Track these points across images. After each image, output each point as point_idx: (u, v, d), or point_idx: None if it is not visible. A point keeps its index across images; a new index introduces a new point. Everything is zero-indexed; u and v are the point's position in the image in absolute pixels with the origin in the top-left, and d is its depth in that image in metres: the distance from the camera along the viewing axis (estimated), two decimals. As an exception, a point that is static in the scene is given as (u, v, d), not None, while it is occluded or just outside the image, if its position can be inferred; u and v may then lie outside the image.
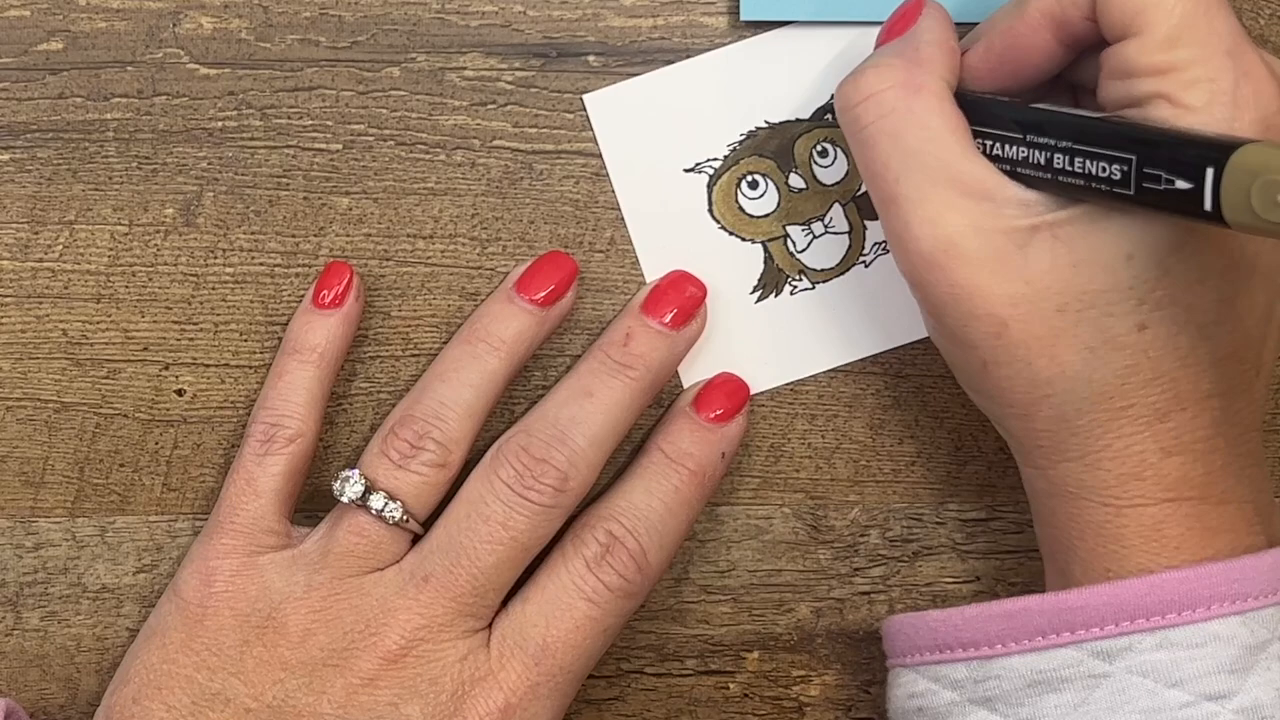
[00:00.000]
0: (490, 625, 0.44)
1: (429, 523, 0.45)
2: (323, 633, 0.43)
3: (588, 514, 0.45)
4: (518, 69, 0.48)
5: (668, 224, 0.48)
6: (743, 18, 0.47)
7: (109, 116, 0.47)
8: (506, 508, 0.44)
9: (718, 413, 0.47)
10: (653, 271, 0.48)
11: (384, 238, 0.48)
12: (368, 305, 0.48)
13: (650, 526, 0.45)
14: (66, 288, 0.48)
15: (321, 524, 0.45)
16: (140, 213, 0.48)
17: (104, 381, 0.48)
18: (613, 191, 0.48)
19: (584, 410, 0.45)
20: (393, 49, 0.47)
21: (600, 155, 0.48)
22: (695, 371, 0.49)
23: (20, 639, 0.49)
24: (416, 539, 0.45)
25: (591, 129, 0.48)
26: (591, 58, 0.48)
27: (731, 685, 0.50)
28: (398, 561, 0.44)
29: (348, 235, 0.48)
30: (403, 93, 0.47)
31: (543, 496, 0.44)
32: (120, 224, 0.48)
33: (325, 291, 0.46)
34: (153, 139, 0.47)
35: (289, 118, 0.47)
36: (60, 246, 0.48)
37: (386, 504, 0.44)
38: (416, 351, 0.48)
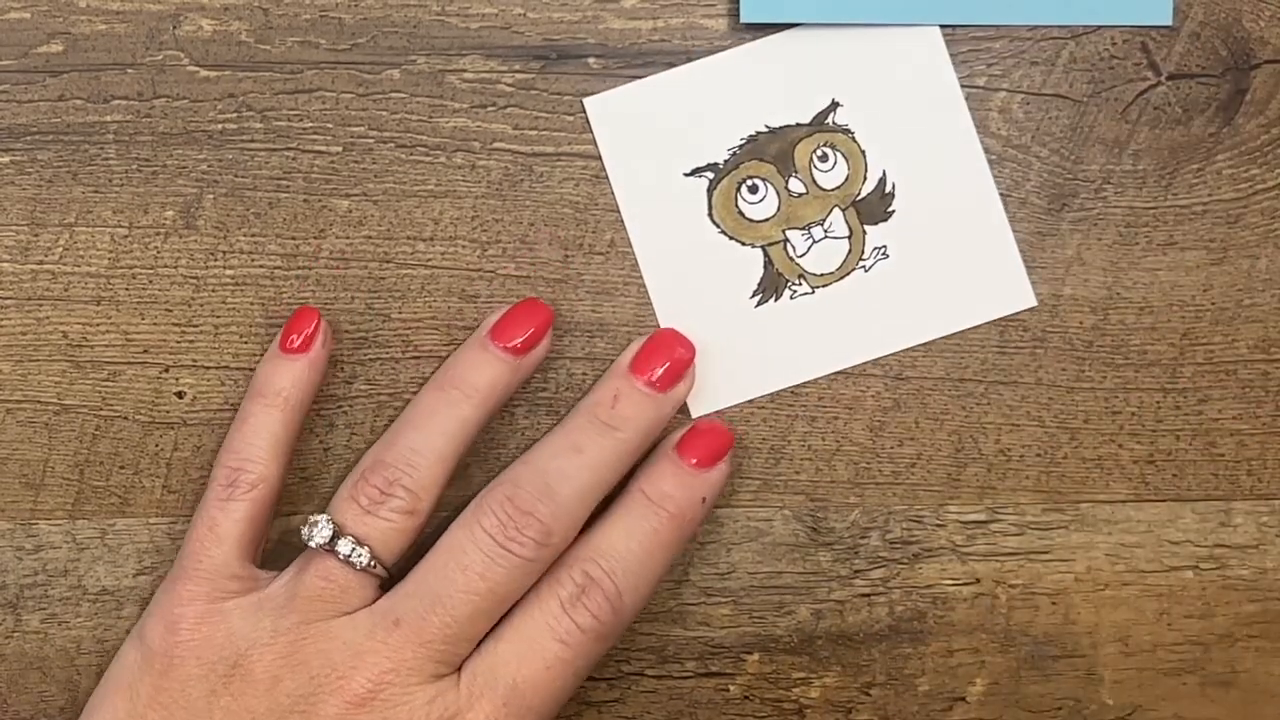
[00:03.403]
0: (460, 664, 0.44)
1: (399, 570, 0.45)
2: (289, 679, 0.43)
3: (566, 553, 0.45)
4: (518, 71, 0.48)
5: (668, 228, 0.48)
6: (743, 19, 0.47)
7: (109, 119, 0.47)
8: (487, 558, 0.43)
9: (699, 459, 0.47)
10: (653, 275, 0.48)
11: (384, 240, 0.48)
12: (367, 307, 0.48)
13: (628, 569, 0.45)
14: (66, 290, 0.48)
15: (289, 568, 0.45)
16: (140, 215, 0.48)
17: (104, 384, 0.48)
18: (613, 194, 0.48)
19: (572, 465, 0.45)
20: (393, 51, 0.47)
21: (600, 158, 0.48)
22: (695, 378, 0.49)
23: (20, 641, 0.49)
24: (386, 585, 0.45)
25: (591, 131, 0.48)
26: (592, 60, 0.48)
27: (732, 687, 0.50)
28: (367, 606, 0.44)
29: (347, 237, 0.48)
30: (403, 95, 0.47)
31: (524, 549, 0.43)
32: (120, 226, 0.48)
33: (293, 336, 0.46)
34: (153, 141, 0.47)
35: (289, 120, 0.47)
36: (60, 249, 0.48)
37: (354, 549, 0.44)
38: (417, 354, 0.48)
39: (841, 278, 0.49)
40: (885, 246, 0.48)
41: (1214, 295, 0.49)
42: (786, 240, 0.48)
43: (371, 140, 0.48)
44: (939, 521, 0.50)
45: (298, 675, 0.43)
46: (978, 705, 0.50)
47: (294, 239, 0.48)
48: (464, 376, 0.46)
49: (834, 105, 0.48)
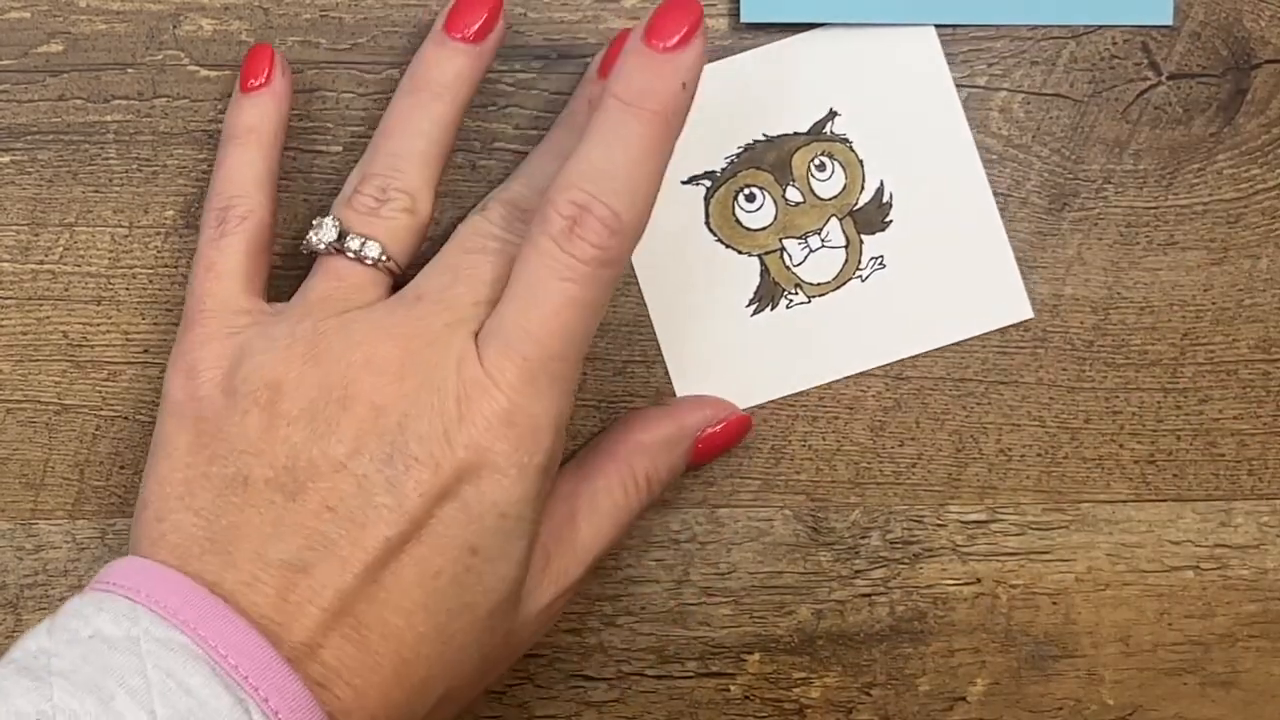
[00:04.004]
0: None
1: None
2: (314, 373, 0.41)
3: (549, 189, 0.41)
4: (518, 71, 0.48)
5: (665, 236, 0.48)
6: (743, 19, 0.47)
7: (109, 118, 0.47)
8: (504, 232, 0.43)
9: (674, 39, 0.40)
10: (649, 282, 0.48)
11: (384, 240, 0.48)
12: (368, 307, 0.48)
13: (617, 185, 0.40)
14: (67, 290, 0.48)
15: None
16: (141, 215, 0.48)
17: (104, 384, 0.48)
18: (613, 193, 0.48)
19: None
20: (393, 51, 0.47)
21: (601, 157, 0.48)
22: (689, 384, 0.48)
23: (20, 641, 0.49)
24: (397, 288, 0.43)
25: (592, 131, 0.48)
26: (592, 60, 0.48)
27: (732, 687, 0.50)
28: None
29: (348, 237, 0.48)
30: (403, 95, 0.47)
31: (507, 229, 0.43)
32: (121, 226, 0.48)
33: (251, 77, 0.46)
34: (153, 141, 0.47)
35: (289, 119, 0.47)
36: (60, 248, 0.48)
37: (364, 243, 0.43)
38: (417, 353, 0.48)
39: (838, 287, 0.49)
40: (882, 256, 0.48)
41: (1215, 295, 0.49)
42: (783, 249, 0.48)
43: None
44: (939, 521, 0.50)
45: (323, 367, 0.40)
46: (978, 705, 0.50)
47: (294, 239, 0.48)
48: (429, 76, 0.45)
49: (832, 114, 0.48)
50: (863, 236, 0.49)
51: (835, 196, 0.48)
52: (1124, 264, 0.49)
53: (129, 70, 0.47)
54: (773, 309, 0.49)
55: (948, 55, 0.48)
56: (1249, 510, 0.50)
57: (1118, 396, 0.49)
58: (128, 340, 0.48)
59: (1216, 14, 0.48)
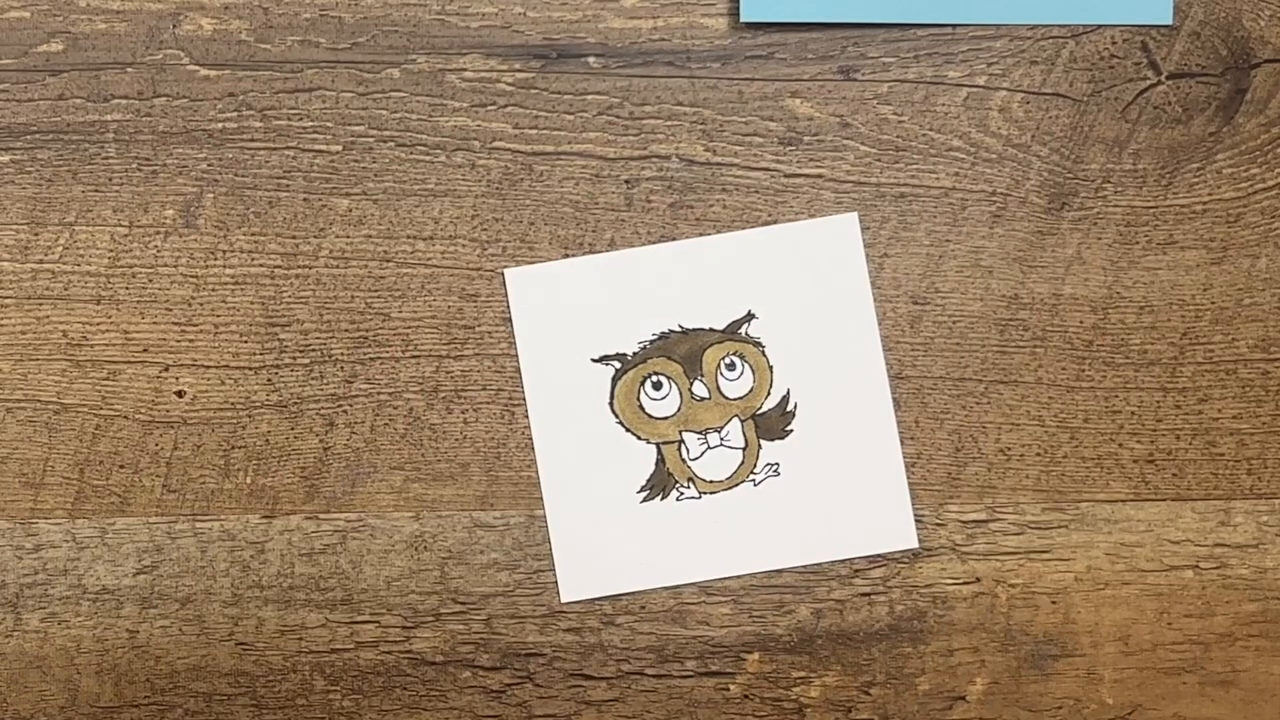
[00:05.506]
0: None
1: None
2: None
3: None
4: (518, 70, 0.48)
5: (569, 410, 0.48)
6: (743, 19, 0.47)
7: (109, 118, 0.47)
8: None
9: None
10: (545, 454, 0.48)
11: (384, 239, 0.48)
12: (367, 307, 0.48)
13: None
14: (67, 289, 0.48)
15: None
16: (140, 214, 0.48)
17: (104, 383, 0.48)
18: (615, 192, 0.48)
19: None
20: (393, 50, 0.47)
21: (601, 156, 0.48)
22: (573, 561, 0.49)
23: (20, 640, 0.49)
24: None
25: (592, 132, 0.48)
26: (592, 59, 0.48)
27: (732, 687, 0.50)
28: None
29: (348, 236, 0.48)
30: (403, 94, 0.47)
31: None
32: (120, 225, 0.48)
33: None
34: (153, 140, 0.47)
35: (289, 119, 0.47)
36: (60, 248, 0.48)
37: None
38: (417, 353, 0.48)
39: (730, 488, 0.49)
40: (778, 464, 0.49)
41: (1214, 294, 0.49)
42: (682, 442, 0.49)
43: (371, 139, 0.48)
44: (939, 521, 0.50)
45: None
46: (978, 704, 0.50)
47: (294, 238, 0.48)
48: None
49: (749, 316, 0.48)
50: (762, 441, 0.49)
51: (741, 397, 0.49)
52: (1123, 263, 0.49)
53: (129, 69, 0.47)
54: (663, 499, 0.49)
55: (947, 55, 0.48)
56: (1248, 510, 0.50)
57: (1117, 396, 0.49)
58: (127, 339, 0.48)
59: (1216, 14, 0.48)
